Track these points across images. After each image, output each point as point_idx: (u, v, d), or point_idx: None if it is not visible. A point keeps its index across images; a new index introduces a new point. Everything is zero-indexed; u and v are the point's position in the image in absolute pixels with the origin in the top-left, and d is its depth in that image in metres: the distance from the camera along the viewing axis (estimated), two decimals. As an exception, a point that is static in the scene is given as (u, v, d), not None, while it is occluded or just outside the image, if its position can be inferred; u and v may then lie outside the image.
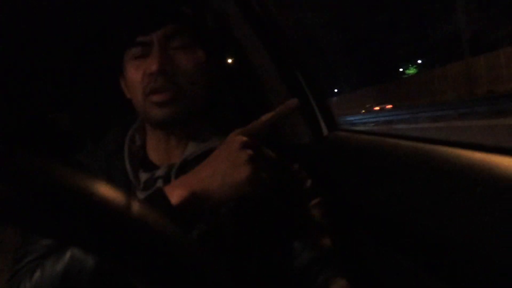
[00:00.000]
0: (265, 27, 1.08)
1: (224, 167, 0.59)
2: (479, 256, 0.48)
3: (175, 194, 0.56)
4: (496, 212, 0.46)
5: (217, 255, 0.67)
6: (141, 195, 0.72)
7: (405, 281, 0.66)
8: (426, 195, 0.59)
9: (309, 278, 0.68)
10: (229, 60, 1.18)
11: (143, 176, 0.75)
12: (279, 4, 1.12)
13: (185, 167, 0.74)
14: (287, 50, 1.08)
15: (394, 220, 0.68)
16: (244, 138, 0.61)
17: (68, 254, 0.58)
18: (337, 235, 0.74)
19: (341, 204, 0.85)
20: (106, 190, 0.26)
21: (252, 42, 1.10)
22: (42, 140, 1.15)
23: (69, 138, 1.18)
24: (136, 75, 0.72)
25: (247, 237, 0.71)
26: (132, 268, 0.27)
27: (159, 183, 0.73)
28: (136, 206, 0.27)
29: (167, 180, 0.73)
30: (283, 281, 0.71)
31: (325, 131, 1.04)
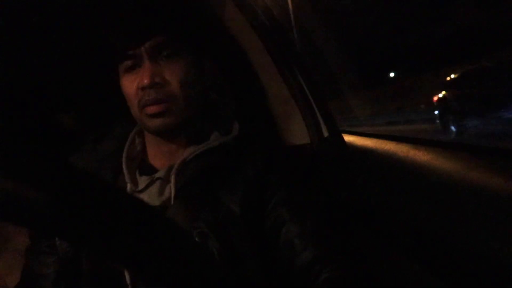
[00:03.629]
0: (267, 29, 1.09)
1: None
2: (479, 256, 0.48)
3: None
4: (496, 212, 0.47)
5: (218, 254, 0.67)
6: (139, 196, 0.73)
7: (406, 280, 0.66)
8: (425, 196, 0.59)
9: (310, 276, 0.68)
10: (231, 62, 1.18)
11: (142, 179, 0.76)
12: (281, 6, 1.13)
13: (184, 168, 0.75)
14: (288, 52, 1.09)
15: (394, 220, 0.68)
16: None
17: None
18: (337, 234, 0.74)
19: (341, 205, 0.85)
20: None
21: (254, 44, 1.11)
22: (47, 140, 1.16)
23: (74, 138, 1.19)
24: (130, 88, 0.73)
25: (248, 236, 0.71)
26: (136, 267, 0.27)
27: (157, 185, 0.75)
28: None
29: (165, 181, 0.75)
30: (284, 280, 0.72)
31: (325, 132, 1.04)
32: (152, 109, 0.71)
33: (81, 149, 0.84)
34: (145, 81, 0.70)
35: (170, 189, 0.73)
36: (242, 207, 0.72)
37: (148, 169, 0.78)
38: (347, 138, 1.02)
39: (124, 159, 0.78)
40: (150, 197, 0.73)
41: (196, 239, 0.68)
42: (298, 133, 1.07)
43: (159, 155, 0.79)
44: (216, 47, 1.18)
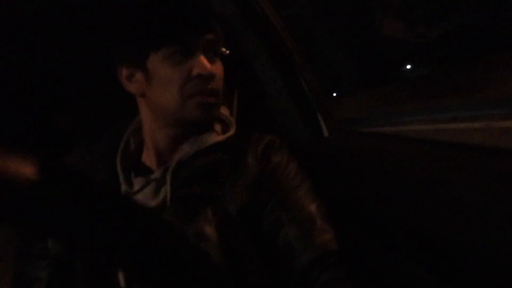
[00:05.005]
0: (265, 27, 1.08)
1: None
2: (480, 257, 0.48)
3: None
4: (497, 212, 0.46)
5: (215, 256, 0.66)
6: (135, 197, 0.73)
7: (407, 282, 0.65)
8: (427, 196, 0.59)
9: (309, 279, 0.68)
10: (229, 61, 1.18)
11: (137, 180, 0.75)
12: (279, 4, 1.13)
13: (180, 168, 0.74)
14: (287, 50, 1.08)
15: (395, 221, 0.67)
16: None
17: None
18: (337, 237, 0.73)
19: (341, 206, 0.84)
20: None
21: (252, 42, 1.10)
22: (44, 140, 1.16)
23: (71, 138, 1.19)
24: (176, 74, 0.71)
25: (245, 237, 0.70)
26: (133, 268, 0.27)
27: (152, 186, 0.74)
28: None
29: (161, 182, 0.74)
30: (283, 282, 0.71)
31: (325, 132, 1.03)
32: (207, 99, 0.72)
33: (75, 150, 0.83)
34: (206, 70, 0.71)
35: (166, 190, 0.72)
36: (239, 207, 0.71)
37: (144, 170, 0.77)
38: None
39: (118, 160, 0.77)
40: (145, 198, 0.73)
41: (192, 240, 0.67)
42: (297, 133, 1.06)
43: (155, 155, 0.78)
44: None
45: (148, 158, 0.79)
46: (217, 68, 0.75)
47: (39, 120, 1.20)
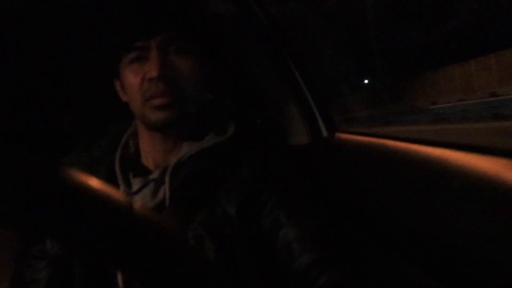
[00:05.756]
0: (263, 27, 1.08)
1: None
2: (479, 257, 0.48)
3: None
4: (495, 213, 0.46)
5: (214, 257, 0.67)
6: (133, 198, 0.73)
7: (406, 282, 0.65)
8: (426, 197, 0.59)
9: (308, 280, 0.67)
10: (227, 60, 1.18)
11: (136, 181, 0.75)
12: (278, 4, 1.12)
13: (179, 169, 0.74)
14: (285, 50, 1.08)
15: (394, 222, 0.67)
16: None
17: None
18: (336, 237, 0.73)
19: (340, 206, 0.84)
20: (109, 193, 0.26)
21: (250, 42, 1.10)
22: (41, 140, 1.16)
23: (69, 139, 1.18)
24: (135, 80, 0.72)
25: (244, 238, 0.70)
26: (131, 268, 0.27)
27: (151, 187, 0.74)
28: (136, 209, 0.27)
29: (160, 183, 0.74)
30: (282, 284, 0.71)
31: (324, 132, 1.02)
32: (158, 101, 0.71)
33: (74, 151, 0.83)
34: (154, 72, 0.69)
35: (165, 191, 0.72)
36: (238, 208, 0.71)
37: (142, 171, 0.77)
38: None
39: (117, 161, 0.77)
40: (144, 199, 0.73)
41: (191, 241, 0.67)
42: (296, 133, 1.06)
43: (153, 156, 0.79)
44: (215, 46, 1.17)
45: (146, 159, 0.79)
46: (178, 66, 0.73)
47: (39, 120, 1.20)
